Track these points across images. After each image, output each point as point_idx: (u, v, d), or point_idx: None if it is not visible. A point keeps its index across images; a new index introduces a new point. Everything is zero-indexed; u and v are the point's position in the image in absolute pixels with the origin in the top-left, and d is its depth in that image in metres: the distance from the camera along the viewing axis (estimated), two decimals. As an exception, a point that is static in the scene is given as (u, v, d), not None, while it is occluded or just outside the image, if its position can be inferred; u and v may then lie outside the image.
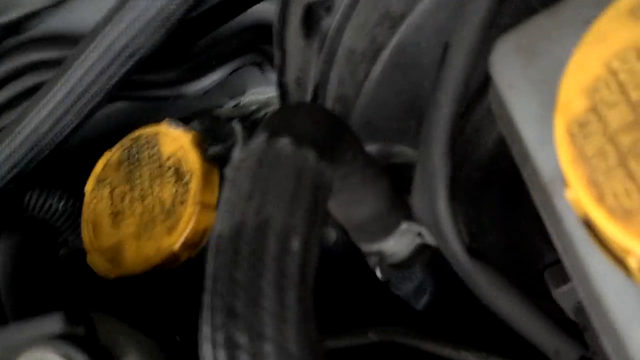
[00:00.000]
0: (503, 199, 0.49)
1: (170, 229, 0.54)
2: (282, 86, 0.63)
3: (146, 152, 0.58)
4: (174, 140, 0.57)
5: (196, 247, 0.55)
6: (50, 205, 0.63)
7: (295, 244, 0.27)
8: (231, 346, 0.25)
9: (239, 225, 0.27)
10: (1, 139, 0.58)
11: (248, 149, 0.30)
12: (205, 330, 0.26)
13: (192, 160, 0.55)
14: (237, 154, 0.30)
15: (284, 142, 0.29)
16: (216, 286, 0.27)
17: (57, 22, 0.64)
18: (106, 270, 0.56)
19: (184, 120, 0.76)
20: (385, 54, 0.45)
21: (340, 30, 0.49)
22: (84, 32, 0.61)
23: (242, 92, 0.81)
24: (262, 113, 0.81)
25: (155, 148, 0.58)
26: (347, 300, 0.76)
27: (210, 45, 0.69)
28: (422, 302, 0.67)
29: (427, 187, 0.33)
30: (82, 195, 0.63)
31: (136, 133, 0.60)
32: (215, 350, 0.26)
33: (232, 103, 0.81)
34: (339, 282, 0.79)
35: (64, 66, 0.54)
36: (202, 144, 0.57)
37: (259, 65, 0.72)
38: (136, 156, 0.58)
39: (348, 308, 0.75)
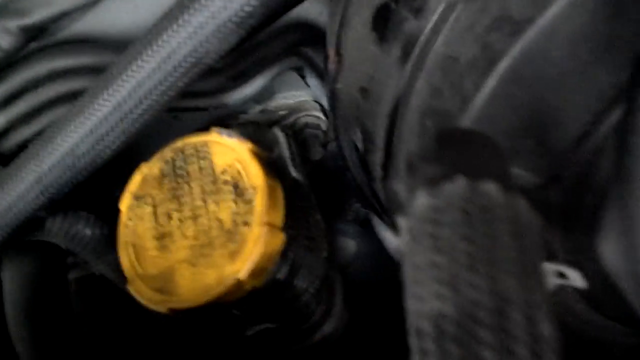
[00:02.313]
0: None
1: (234, 254, 0.47)
2: (334, 95, 0.57)
3: (195, 165, 0.51)
4: (230, 151, 0.50)
5: (262, 275, 0.49)
6: (77, 232, 0.55)
7: (545, 327, 0.21)
8: None
9: (472, 305, 0.21)
10: (25, 160, 0.49)
11: (441, 194, 0.24)
12: None
13: (255, 174, 0.49)
14: (422, 200, 0.24)
15: (491, 188, 0.24)
16: None
17: (89, 25, 0.55)
18: (155, 302, 0.49)
19: (203, 129, 0.69)
20: (503, 64, 0.39)
21: (434, 35, 0.43)
22: (120, 36, 0.53)
23: (270, 97, 0.74)
24: (292, 118, 0.74)
25: (207, 160, 0.51)
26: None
27: (251, 50, 0.62)
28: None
29: (628, 232, 0.28)
30: (110, 218, 0.56)
31: (178, 143, 0.53)
32: None
33: (258, 108, 0.74)
34: (362, 294, 0.74)
35: (108, 76, 0.46)
36: (262, 155, 0.51)
37: (300, 70, 0.65)
38: (182, 169, 0.51)
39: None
